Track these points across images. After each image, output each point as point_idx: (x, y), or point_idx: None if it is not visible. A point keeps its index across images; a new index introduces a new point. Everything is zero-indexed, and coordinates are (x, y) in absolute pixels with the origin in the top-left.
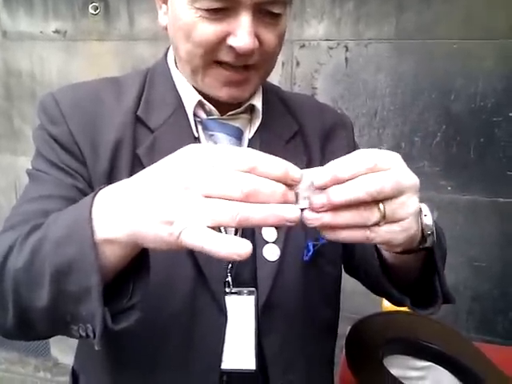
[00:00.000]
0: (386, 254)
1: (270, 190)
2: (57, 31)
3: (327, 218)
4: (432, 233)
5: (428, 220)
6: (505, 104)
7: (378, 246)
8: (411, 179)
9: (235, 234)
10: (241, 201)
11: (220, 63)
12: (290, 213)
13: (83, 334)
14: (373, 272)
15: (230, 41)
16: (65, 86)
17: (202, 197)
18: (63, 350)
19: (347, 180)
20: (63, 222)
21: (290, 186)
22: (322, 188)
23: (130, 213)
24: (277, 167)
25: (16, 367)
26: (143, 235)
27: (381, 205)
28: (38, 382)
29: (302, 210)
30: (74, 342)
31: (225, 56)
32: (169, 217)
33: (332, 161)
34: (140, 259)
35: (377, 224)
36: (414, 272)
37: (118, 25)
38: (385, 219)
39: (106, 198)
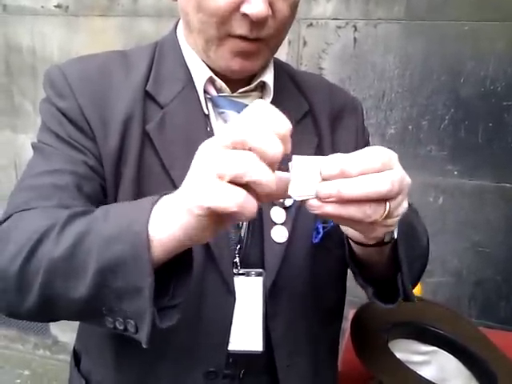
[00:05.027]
0: (351, 242)
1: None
2: (58, 6)
3: (330, 208)
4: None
5: None
6: None
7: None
8: (408, 178)
9: None
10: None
11: (233, 37)
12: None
13: (120, 328)
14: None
15: (244, 8)
16: (71, 58)
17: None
18: (63, 329)
19: (354, 176)
20: (116, 220)
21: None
22: (328, 179)
23: (176, 211)
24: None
25: (16, 345)
26: (188, 229)
27: (387, 203)
28: (38, 359)
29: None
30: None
31: (238, 28)
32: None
33: (339, 153)
34: (182, 260)
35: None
36: (378, 266)
37: (121, 0)
38: (386, 218)
39: (162, 204)
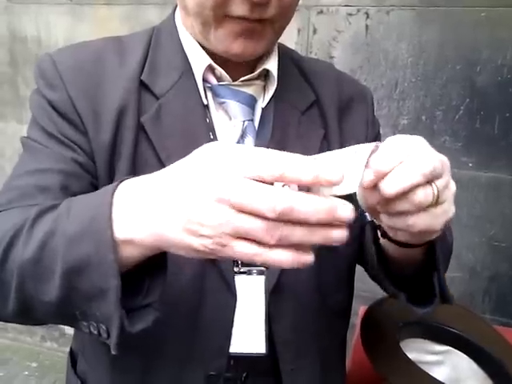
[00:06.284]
0: (386, 244)
1: (309, 208)
2: None
3: (384, 218)
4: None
5: None
6: None
7: (387, 231)
8: (446, 160)
9: None
10: (275, 219)
11: (232, 18)
12: (337, 234)
13: (94, 332)
14: (369, 259)
15: None
16: (64, 46)
17: (235, 211)
18: None
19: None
20: (78, 217)
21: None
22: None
23: (157, 218)
24: (305, 173)
25: (23, 336)
26: (173, 244)
27: (434, 185)
28: (45, 351)
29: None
30: None
31: (237, 9)
32: (203, 231)
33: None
34: (157, 256)
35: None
36: (412, 267)
37: None
38: (437, 202)
39: (128, 196)
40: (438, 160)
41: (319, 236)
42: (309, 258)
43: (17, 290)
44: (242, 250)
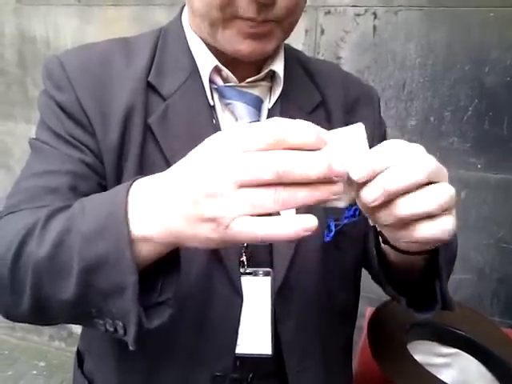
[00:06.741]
0: (388, 250)
1: (308, 164)
2: None
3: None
4: None
5: None
6: None
7: (388, 239)
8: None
9: None
10: (278, 182)
11: (240, 18)
12: (336, 187)
13: (110, 329)
14: (372, 263)
15: None
16: (71, 48)
17: (236, 187)
18: None
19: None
20: (94, 215)
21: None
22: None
23: (167, 212)
24: (307, 133)
25: (31, 336)
26: (184, 235)
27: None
28: (53, 350)
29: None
30: None
31: (244, 10)
32: (208, 213)
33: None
34: (170, 253)
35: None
36: (414, 272)
37: None
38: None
39: (141, 193)
40: (435, 165)
41: (322, 192)
42: (312, 221)
43: (32, 287)
44: (248, 225)
